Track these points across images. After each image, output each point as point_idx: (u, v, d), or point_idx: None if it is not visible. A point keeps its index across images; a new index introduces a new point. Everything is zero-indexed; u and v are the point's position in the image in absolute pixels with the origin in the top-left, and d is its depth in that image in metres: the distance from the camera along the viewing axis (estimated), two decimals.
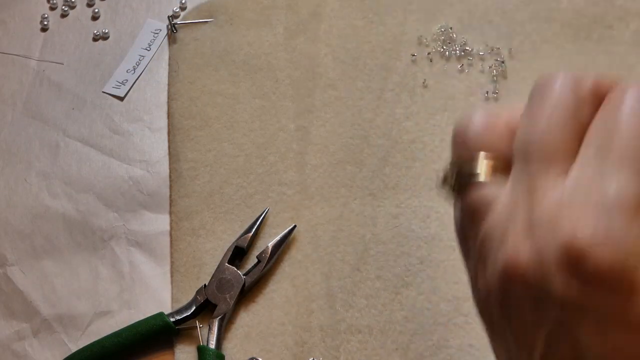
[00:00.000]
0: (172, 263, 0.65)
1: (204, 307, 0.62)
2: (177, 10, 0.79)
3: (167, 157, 0.71)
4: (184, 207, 0.67)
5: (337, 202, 0.66)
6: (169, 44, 0.77)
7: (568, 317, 0.27)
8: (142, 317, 0.62)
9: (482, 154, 0.32)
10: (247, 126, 0.71)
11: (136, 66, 0.76)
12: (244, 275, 0.63)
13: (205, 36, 0.76)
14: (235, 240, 0.64)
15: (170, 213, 0.67)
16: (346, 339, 0.60)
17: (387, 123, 0.70)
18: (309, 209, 0.66)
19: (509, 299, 0.29)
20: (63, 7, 0.80)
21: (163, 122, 0.73)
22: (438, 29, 0.74)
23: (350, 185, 0.67)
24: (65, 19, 0.80)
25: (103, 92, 0.75)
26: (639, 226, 0.26)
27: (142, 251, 0.66)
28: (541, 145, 0.30)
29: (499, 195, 0.32)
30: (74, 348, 0.62)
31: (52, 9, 0.81)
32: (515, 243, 0.29)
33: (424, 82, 0.72)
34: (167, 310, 0.63)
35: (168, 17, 0.77)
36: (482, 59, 0.72)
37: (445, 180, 0.33)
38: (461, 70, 0.72)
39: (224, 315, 0.61)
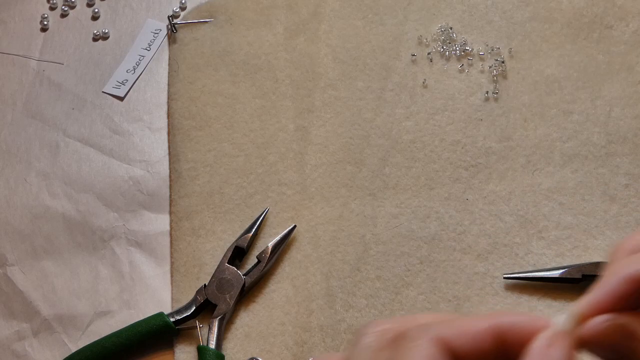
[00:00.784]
0: (172, 263, 0.65)
1: (204, 307, 0.62)
2: (177, 10, 0.79)
3: (167, 157, 0.71)
4: (184, 207, 0.67)
5: (337, 202, 0.67)
6: (169, 44, 0.77)
7: None
8: (142, 317, 0.62)
9: None
10: (247, 126, 0.71)
11: (136, 66, 0.76)
12: (244, 275, 0.63)
13: (205, 36, 0.76)
14: (236, 240, 0.64)
15: (170, 213, 0.68)
16: (346, 339, 0.60)
17: (387, 123, 0.70)
18: (309, 209, 0.66)
19: None
20: (63, 7, 0.80)
21: (163, 122, 0.73)
22: (438, 29, 0.74)
23: (350, 185, 0.67)
24: (65, 19, 0.80)
25: (103, 92, 0.75)
26: None
27: (142, 251, 0.66)
28: None
29: None
30: (74, 348, 0.62)
31: (52, 9, 0.81)
32: None
33: (424, 82, 0.72)
34: (167, 310, 0.63)
35: (168, 17, 0.77)
36: (482, 59, 0.73)
37: None
38: (461, 70, 0.72)
39: (224, 315, 0.61)
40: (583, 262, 0.61)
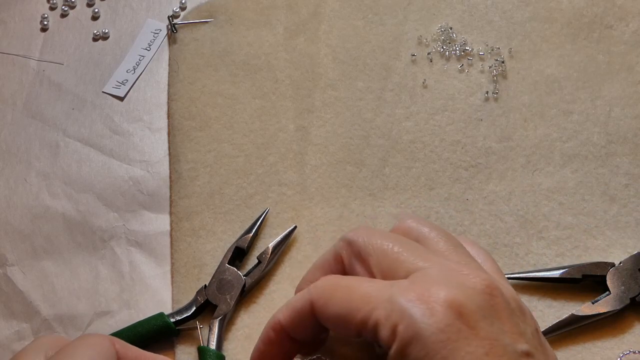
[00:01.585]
0: (172, 263, 0.65)
1: (205, 308, 0.62)
2: (177, 10, 0.79)
3: (167, 158, 0.71)
4: (184, 208, 0.67)
5: (337, 202, 0.67)
6: (169, 44, 0.77)
7: None
8: (142, 317, 0.62)
9: None
10: (247, 126, 0.71)
11: (136, 66, 0.76)
12: (244, 275, 0.63)
13: (205, 36, 0.76)
14: (236, 241, 0.64)
15: (171, 213, 0.68)
16: None
17: (387, 123, 0.70)
18: (309, 209, 0.66)
19: None
20: (63, 7, 0.80)
21: (163, 122, 0.73)
22: (438, 29, 0.74)
23: (350, 185, 0.67)
24: (65, 19, 0.80)
25: (103, 92, 0.75)
26: None
27: (142, 251, 0.66)
28: None
29: None
30: None
31: (52, 9, 0.81)
32: None
33: (424, 82, 0.72)
34: (167, 310, 0.63)
35: (168, 17, 0.77)
36: (482, 59, 0.73)
37: None
38: (461, 70, 0.72)
39: (225, 315, 0.61)
40: (583, 262, 0.61)
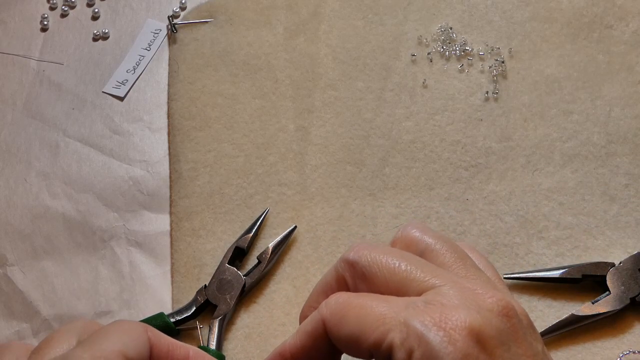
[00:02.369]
0: (172, 263, 0.65)
1: (205, 308, 0.62)
2: (177, 10, 0.79)
3: (167, 158, 0.71)
4: (184, 208, 0.67)
5: (337, 202, 0.67)
6: (169, 44, 0.77)
7: None
8: (142, 317, 0.62)
9: None
10: (247, 126, 0.71)
11: (136, 66, 0.76)
12: (244, 275, 0.63)
13: (205, 36, 0.76)
14: (236, 241, 0.64)
15: (171, 213, 0.68)
16: None
17: (387, 123, 0.70)
18: (309, 209, 0.66)
19: None
20: (63, 7, 0.80)
21: (163, 122, 0.73)
22: (438, 29, 0.74)
23: (350, 185, 0.67)
24: (65, 19, 0.80)
25: (103, 92, 0.75)
26: None
27: (142, 251, 0.66)
28: (40, 350, 0.42)
29: None
30: None
31: (52, 9, 0.81)
32: None
33: (424, 82, 0.72)
34: (167, 310, 0.63)
35: (168, 17, 0.77)
36: (482, 59, 0.73)
37: None
38: (461, 70, 0.72)
39: (225, 315, 0.61)
40: (583, 262, 0.61)
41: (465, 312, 0.39)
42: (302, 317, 0.48)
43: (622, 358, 0.57)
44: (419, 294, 0.41)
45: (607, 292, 0.59)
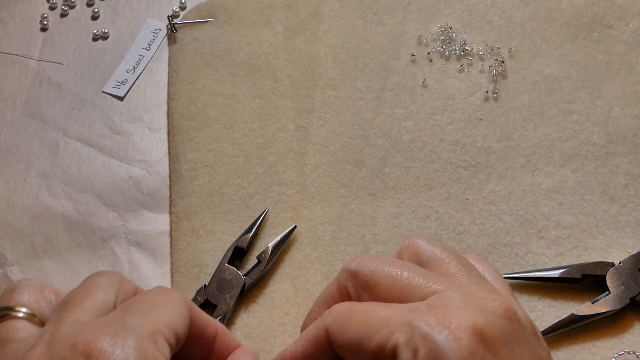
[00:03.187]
0: (172, 263, 0.65)
1: (205, 308, 0.62)
2: (177, 10, 0.79)
3: (167, 157, 0.71)
4: (184, 208, 0.67)
5: (337, 202, 0.67)
6: (169, 44, 0.77)
7: None
8: None
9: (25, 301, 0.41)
10: (247, 126, 0.71)
11: (136, 66, 0.76)
12: (244, 275, 0.63)
13: (205, 36, 0.76)
14: (236, 241, 0.64)
15: (171, 213, 0.68)
16: None
17: (387, 123, 0.70)
18: (309, 209, 0.66)
19: None
20: (63, 7, 0.80)
21: (163, 122, 0.73)
22: (438, 29, 0.74)
23: (350, 185, 0.67)
24: (65, 19, 0.80)
25: (103, 92, 0.75)
26: None
27: (142, 251, 0.66)
28: (81, 299, 0.40)
29: (31, 331, 0.39)
30: None
31: (52, 9, 0.81)
32: (35, 355, 0.36)
33: (424, 82, 0.72)
34: None
35: (168, 17, 0.77)
36: (482, 59, 0.73)
37: None
38: (461, 70, 0.72)
39: (225, 315, 0.61)
40: (583, 262, 0.61)
41: (468, 313, 0.39)
42: (304, 328, 0.47)
43: (617, 358, 0.57)
44: (422, 300, 0.41)
45: (607, 292, 0.59)
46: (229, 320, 0.62)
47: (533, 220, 0.64)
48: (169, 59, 0.76)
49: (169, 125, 0.72)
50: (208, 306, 0.62)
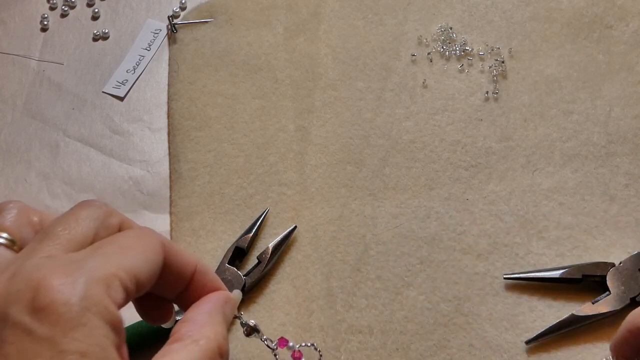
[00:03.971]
0: None
1: None
2: (177, 10, 0.79)
3: (167, 157, 0.71)
4: (184, 208, 0.67)
5: (337, 202, 0.67)
6: (169, 44, 0.77)
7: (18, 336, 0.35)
8: None
9: None
10: (247, 126, 0.71)
11: (136, 66, 0.76)
12: (244, 275, 0.63)
13: (205, 36, 0.76)
14: (236, 241, 0.64)
15: (171, 213, 0.68)
16: (347, 339, 0.60)
17: (387, 123, 0.70)
18: (309, 209, 0.66)
19: None
20: (63, 7, 0.80)
21: (163, 122, 0.73)
22: (438, 29, 0.74)
23: (350, 185, 0.67)
24: (65, 19, 0.80)
25: (103, 92, 0.75)
26: (95, 289, 0.36)
27: None
28: (57, 233, 0.39)
29: (6, 257, 0.40)
30: None
31: (52, 9, 0.81)
32: None
33: (424, 82, 0.72)
34: None
35: (168, 17, 0.77)
36: (482, 59, 0.73)
37: None
38: (461, 70, 0.72)
39: None
40: (583, 262, 0.61)
41: None
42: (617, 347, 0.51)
43: None
44: None
45: (607, 292, 0.59)
46: None
47: (533, 220, 0.64)
48: (169, 59, 0.76)
49: (169, 125, 0.72)
50: None
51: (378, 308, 0.61)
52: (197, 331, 0.41)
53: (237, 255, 0.64)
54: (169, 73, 0.75)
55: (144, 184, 0.70)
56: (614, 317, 0.59)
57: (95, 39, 0.78)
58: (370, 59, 0.73)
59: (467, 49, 0.73)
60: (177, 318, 0.53)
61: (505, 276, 0.61)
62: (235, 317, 0.48)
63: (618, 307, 0.58)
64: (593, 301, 0.59)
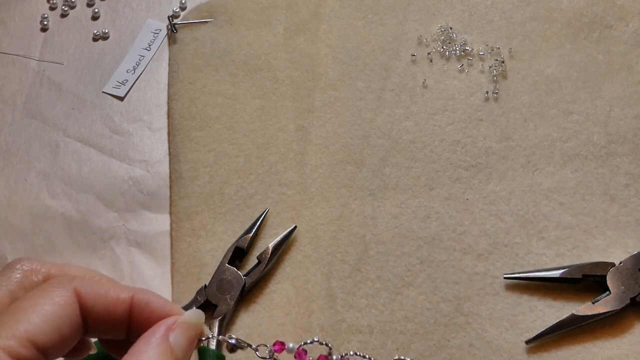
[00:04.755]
0: (172, 263, 0.65)
1: (205, 308, 0.62)
2: (177, 10, 0.79)
3: (167, 157, 0.71)
4: (184, 208, 0.67)
5: (337, 202, 0.67)
6: (169, 44, 0.77)
7: None
8: None
9: None
10: (247, 126, 0.71)
11: (136, 66, 0.76)
12: (244, 275, 0.63)
13: (205, 36, 0.76)
14: (236, 241, 0.64)
15: (171, 213, 0.68)
16: (347, 339, 0.60)
17: (387, 123, 0.70)
18: (309, 209, 0.66)
19: None
20: (63, 7, 0.80)
21: (163, 122, 0.73)
22: (438, 29, 0.74)
23: (350, 185, 0.67)
24: (65, 19, 0.80)
25: (103, 92, 0.75)
26: None
27: (142, 251, 0.66)
28: None
29: None
30: None
31: (52, 9, 0.81)
32: None
33: (424, 82, 0.72)
34: None
35: (168, 17, 0.77)
36: (482, 59, 0.73)
37: None
38: (461, 70, 0.72)
39: (225, 315, 0.61)
40: (583, 262, 0.61)
41: None
42: None
43: None
44: None
45: (607, 292, 0.59)
46: (228, 320, 0.62)
47: (533, 220, 0.64)
48: (169, 59, 0.76)
49: (169, 125, 0.72)
50: (208, 306, 0.62)
51: (378, 308, 0.61)
52: None
53: (237, 255, 0.64)
54: (169, 73, 0.75)
55: (144, 184, 0.70)
56: (614, 317, 0.59)
57: (95, 39, 0.78)
58: (370, 59, 0.73)
59: (467, 49, 0.73)
60: None
61: (505, 276, 0.61)
62: (200, 340, 0.42)
63: (618, 307, 0.58)
64: (593, 301, 0.59)
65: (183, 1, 0.80)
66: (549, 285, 0.61)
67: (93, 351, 0.44)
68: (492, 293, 0.61)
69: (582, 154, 0.67)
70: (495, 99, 0.70)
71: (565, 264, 0.62)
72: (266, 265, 0.63)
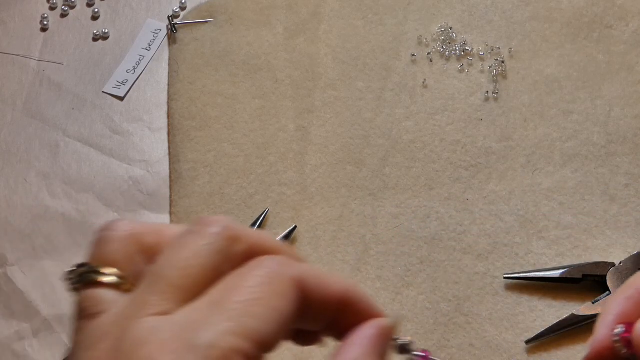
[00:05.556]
0: None
1: None
2: (177, 10, 0.79)
3: (167, 157, 0.71)
4: (184, 208, 0.67)
5: (337, 202, 0.67)
6: (169, 44, 0.77)
7: None
8: None
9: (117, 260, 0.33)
10: (247, 126, 0.71)
11: (136, 66, 0.76)
12: None
13: (205, 36, 0.76)
14: None
15: (171, 213, 0.68)
16: None
17: (387, 123, 0.70)
18: (309, 209, 0.66)
19: None
20: (63, 7, 0.80)
21: (163, 122, 0.73)
22: (438, 29, 0.74)
23: (350, 185, 0.67)
24: (65, 19, 0.80)
25: (103, 92, 0.75)
26: None
27: None
28: (171, 278, 0.31)
29: (114, 303, 0.32)
30: None
31: (52, 9, 0.81)
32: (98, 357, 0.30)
33: (424, 82, 0.72)
34: None
35: (168, 17, 0.77)
36: (482, 59, 0.73)
37: (71, 272, 0.33)
38: (461, 70, 0.72)
39: None
40: (583, 262, 0.61)
41: None
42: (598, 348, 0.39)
43: None
44: None
45: (607, 292, 0.59)
46: None
47: (533, 220, 0.64)
48: (169, 59, 0.76)
49: (169, 125, 0.72)
50: None
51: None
52: None
53: None
54: (169, 73, 0.75)
55: (144, 184, 0.70)
56: None
57: (95, 39, 0.78)
58: (370, 59, 0.73)
59: (467, 49, 0.73)
60: None
61: (505, 276, 0.61)
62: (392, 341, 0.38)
63: None
64: (593, 301, 0.59)
65: (183, 1, 0.80)
66: (549, 285, 0.61)
67: None
68: (492, 293, 0.61)
69: (582, 154, 0.67)
70: (495, 99, 0.70)
71: (565, 264, 0.62)
72: None
